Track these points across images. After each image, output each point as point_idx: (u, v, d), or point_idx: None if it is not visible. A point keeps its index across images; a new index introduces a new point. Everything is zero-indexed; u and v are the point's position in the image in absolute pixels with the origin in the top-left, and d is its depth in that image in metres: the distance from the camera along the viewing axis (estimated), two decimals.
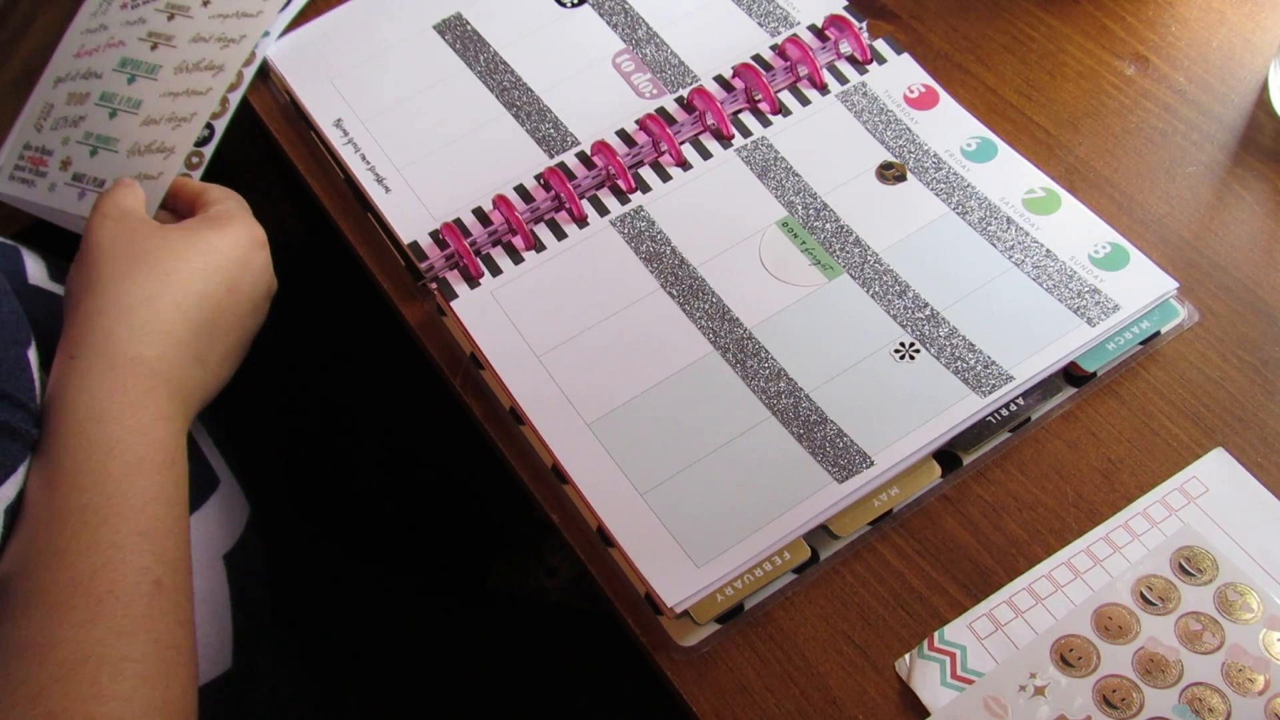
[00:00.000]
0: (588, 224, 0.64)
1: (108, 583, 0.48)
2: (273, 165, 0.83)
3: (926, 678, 0.51)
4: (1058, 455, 0.57)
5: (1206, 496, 0.55)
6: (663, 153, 0.66)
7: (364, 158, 0.67)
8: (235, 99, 0.69)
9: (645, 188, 0.65)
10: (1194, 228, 0.62)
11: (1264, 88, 0.66)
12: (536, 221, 0.64)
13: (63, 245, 0.64)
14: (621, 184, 0.65)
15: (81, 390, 0.52)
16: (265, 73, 0.72)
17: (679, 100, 0.67)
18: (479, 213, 0.64)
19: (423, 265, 0.63)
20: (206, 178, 0.67)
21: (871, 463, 0.55)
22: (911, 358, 0.58)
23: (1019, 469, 0.56)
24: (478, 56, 0.71)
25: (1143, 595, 0.52)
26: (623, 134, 0.66)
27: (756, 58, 0.69)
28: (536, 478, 0.58)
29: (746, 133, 0.66)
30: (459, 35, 0.72)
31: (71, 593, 0.47)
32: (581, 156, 0.66)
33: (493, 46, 0.71)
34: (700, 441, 0.56)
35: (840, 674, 0.52)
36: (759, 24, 0.70)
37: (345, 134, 0.68)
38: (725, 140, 0.66)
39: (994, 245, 0.61)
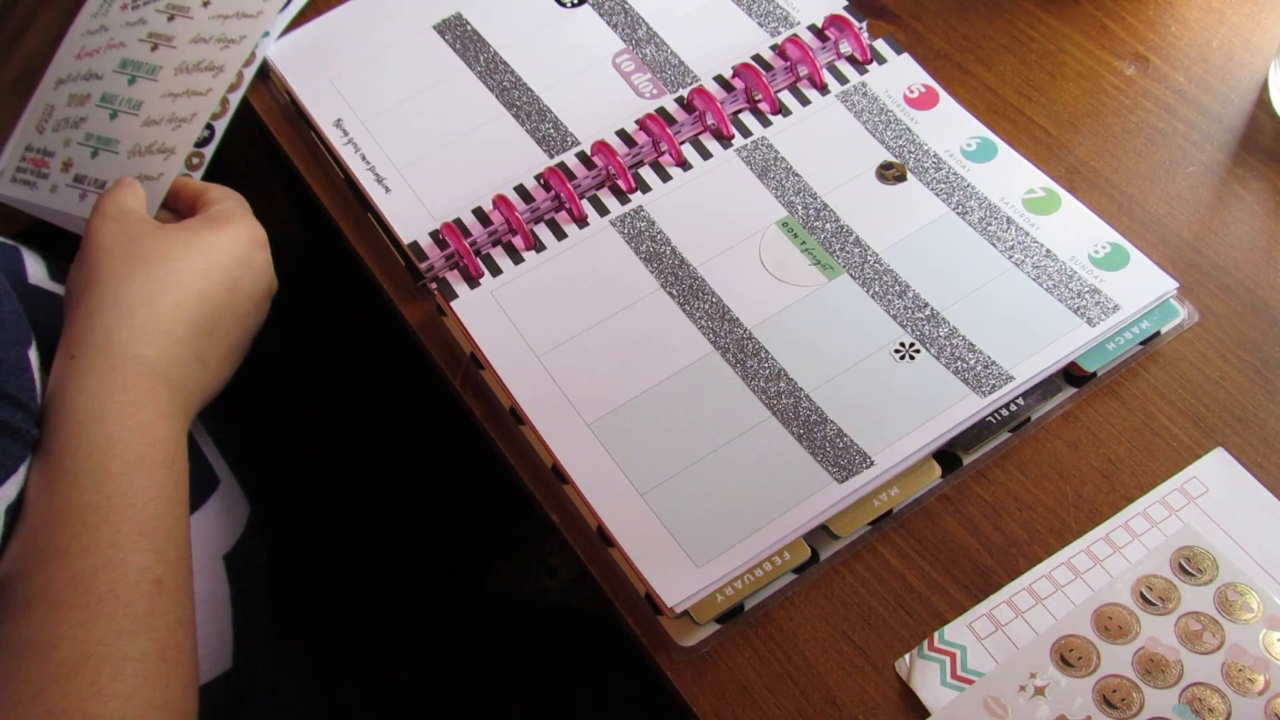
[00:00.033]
0: (588, 224, 0.64)
1: (108, 582, 0.48)
2: (273, 165, 0.83)
3: (926, 678, 0.51)
4: (1058, 455, 0.57)
5: (1206, 496, 0.55)
6: (663, 153, 0.66)
7: (364, 158, 0.67)
8: (235, 99, 0.69)
9: (645, 188, 0.65)
10: (1194, 228, 0.62)
11: (1264, 88, 0.66)
12: (536, 221, 0.64)
13: (63, 245, 0.64)
14: (621, 184, 0.65)
15: (81, 390, 0.52)
16: (265, 73, 0.72)
17: (679, 100, 0.67)
18: (479, 213, 0.64)
19: (423, 265, 0.63)
20: (207, 178, 0.67)
21: (871, 463, 0.55)
22: (911, 358, 0.58)
23: (1019, 469, 0.56)
24: (478, 56, 0.71)
25: (1143, 595, 0.52)
26: (623, 134, 0.66)
27: (756, 58, 0.69)
28: (536, 478, 0.58)
29: (746, 133, 0.66)
30: (459, 35, 0.72)
31: (72, 592, 0.47)
32: (581, 156, 0.66)
33: (493, 46, 0.71)
34: (700, 441, 0.56)
35: (840, 674, 0.52)
36: (759, 24, 0.70)
37: (345, 134, 0.68)
38: (725, 140, 0.66)
39: (994, 245, 0.61)
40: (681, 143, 0.66)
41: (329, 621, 0.74)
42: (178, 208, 0.65)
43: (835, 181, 0.64)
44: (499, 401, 0.60)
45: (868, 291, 0.60)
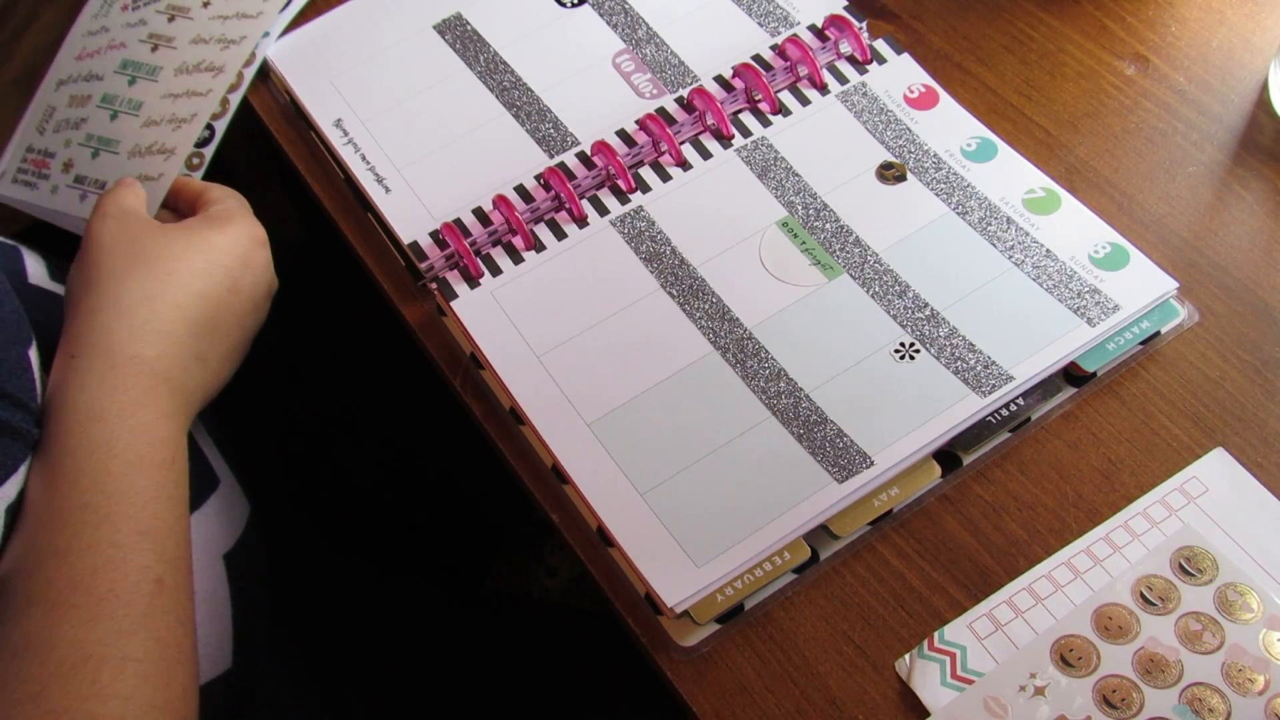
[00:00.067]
0: (588, 224, 0.64)
1: (108, 582, 0.48)
2: (273, 165, 0.83)
3: (926, 678, 0.51)
4: (1058, 455, 0.57)
5: (1206, 496, 0.55)
6: (663, 153, 0.66)
7: (364, 158, 0.67)
8: (235, 100, 0.69)
9: (645, 188, 0.65)
10: (1194, 228, 0.62)
11: (1264, 88, 0.67)
12: (536, 221, 0.64)
13: (63, 245, 0.64)
14: (621, 184, 0.65)
15: (82, 389, 0.52)
16: (265, 73, 0.72)
17: (679, 100, 0.67)
18: (479, 213, 0.64)
19: (423, 265, 0.63)
20: (207, 178, 0.67)
21: (871, 463, 0.55)
22: (911, 358, 0.58)
23: (1019, 469, 0.56)
24: (478, 56, 0.71)
25: (1143, 595, 0.52)
26: (623, 134, 0.66)
27: (756, 58, 0.69)
28: (536, 478, 0.58)
29: (746, 133, 0.66)
30: (459, 35, 0.72)
31: (72, 592, 0.47)
32: (581, 156, 0.66)
33: (493, 46, 0.71)
34: (700, 441, 0.56)
35: (840, 674, 0.52)
36: (759, 24, 0.70)
37: (345, 134, 0.68)
38: (725, 140, 0.66)
39: (994, 245, 0.61)
40: (681, 143, 0.66)
41: (329, 621, 0.74)
42: (178, 207, 0.65)
43: (835, 181, 0.64)
44: (499, 401, 0.60)
45: (868, 291, 0.60)
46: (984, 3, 0.72)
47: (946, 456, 0.56)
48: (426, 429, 0.85)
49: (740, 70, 0.67)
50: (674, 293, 0.61)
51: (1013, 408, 0.57)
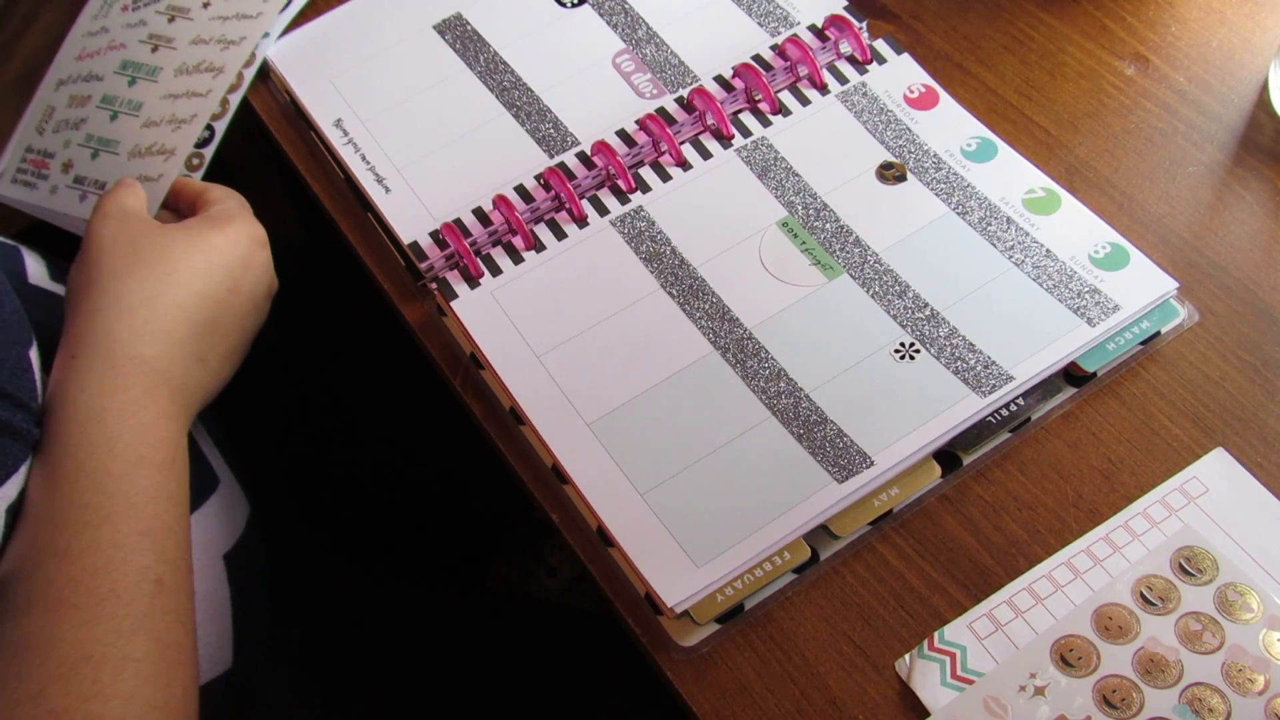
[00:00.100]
0: (588, 224, 0.64)
1: (109, 582, 0.48)
2: (273, 165, 0.83)
3: (926, 678, 0.51)
4: (1058, 455, 0.57)
5: (1206, 496, 0.55)
6: (663, 153, 0.66)
7: (364, 158, 0.67)
8: (235, 100, 0.69)
9: (645, 188, 0.65)
10: (1194, 228, 0.62)
11: (1264, 88, 0.67)
12: (536, 221, 0.64)
13: (63, 245, 0.64)
14: (621, 184, 0.65)
15: (82, 389, 0.52)
16: (265, 73, 0.72)
17: (679, 100, 0.67)
18: (479, 213, 0.64)
19: (423, 265, 0.63)
20: (207, 178, 0.67)
21: (871, 463, 0.55)
22: (911, 358, 0.58)
23: (1019, 469, 0.57)
24: (478, 56, 0.71)
25: (1143, 595, 0.52)
26: (623, 134, 0.67)
27: (756, 58, 0.69)
28: (536, 478, 0.58)
29: (746, 133, 0.66)
30: (459, 35, 0.72)
31: (72, 592, 0.47)
32: (581, 156, 0.66)
33: (493, 46, 0.71)
34: (700, 441, 0.56)
35: (840, 674, 0.52)
36: (759, 24, 0.70)
37: (345, 134, 0.68)
38: (725, 140, 0.66)
39: (994, 245, 0.61)
40: (681, 143, 0.66)
41: (329, 621, 0.74)
42: (178, 208, 0.65)
43: (835, 181, 0.64)
44: (499, 401, 0.60)
45: (868, 291, 0.60)
46: (984, 3, 0.72)
47: (946, 456, 0.56)
48: (427, 429, 0.85)
49: (740, 70, 0.67)
50: (674, 293, 0.61)
51: (1013, 408, 0.57)
